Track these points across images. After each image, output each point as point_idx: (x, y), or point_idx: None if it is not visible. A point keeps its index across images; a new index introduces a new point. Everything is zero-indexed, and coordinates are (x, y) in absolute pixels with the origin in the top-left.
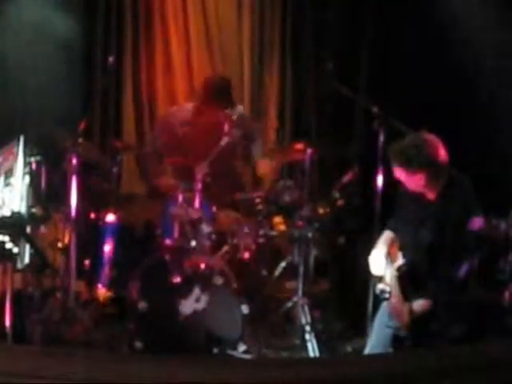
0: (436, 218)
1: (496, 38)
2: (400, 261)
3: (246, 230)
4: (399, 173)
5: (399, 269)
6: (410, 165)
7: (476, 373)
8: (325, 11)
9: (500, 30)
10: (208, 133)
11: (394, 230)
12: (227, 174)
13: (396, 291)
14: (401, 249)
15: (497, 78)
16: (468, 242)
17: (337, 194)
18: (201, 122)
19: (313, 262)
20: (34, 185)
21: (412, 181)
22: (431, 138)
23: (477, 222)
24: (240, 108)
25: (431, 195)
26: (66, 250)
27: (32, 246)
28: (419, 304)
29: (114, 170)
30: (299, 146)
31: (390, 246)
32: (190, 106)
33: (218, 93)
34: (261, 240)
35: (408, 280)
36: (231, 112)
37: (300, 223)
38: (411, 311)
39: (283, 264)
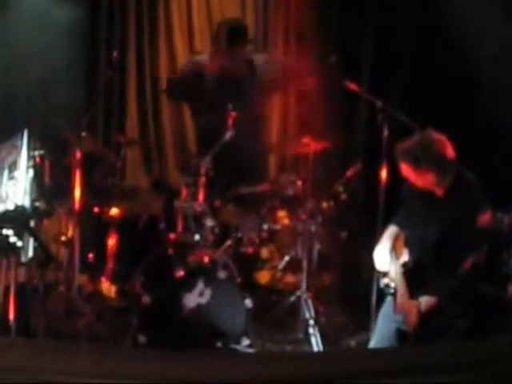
0: (444, 215)
1: (499, 35)
2: (405, 257)
3: (249, 223)
4: (407, 171)
5: (405, 265)
6: (418, 163)
7: (480, 368)
8: (329, 7)
9: (502, 28)
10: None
11: (399, 225)
12: (231, 167)
13: (402, 288)
14: (406, 245)
15: (499, 75)
16: (475, 238)
17: (340, 189)
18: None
19: (316, 256)
20: (37, 179)
21: (420, 179)
22: (438, 136)
23: (485, 218)
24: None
25: (439, 192)
26: (69, 243)
27: (36, 240)
28: (425, 301)
29: (118, 164)
30: (303, 140)
31: (395, 241)
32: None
33: (233, 34)
34: (264, 234)
35: (413, 276)
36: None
37: (303, 217)
38: (419, 309)
39: (287, 258)
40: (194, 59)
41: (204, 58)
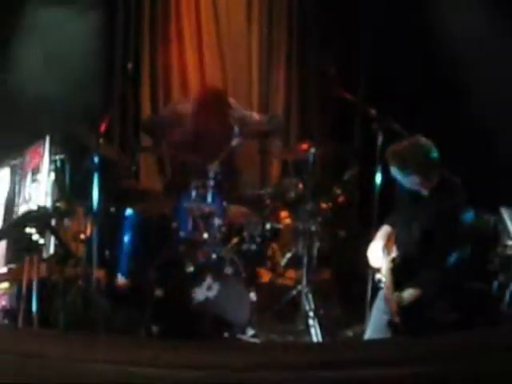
0: (429, 214)
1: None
2: (394, 253)
3: (254, 223)
4: (396, 173)
5: (393, 261)
6: (405, 167)
7: (464, 358)
8: (328, 22)
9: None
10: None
11: (391, 224)
12: (237, 171)
13: (388, 281)
14: (396, 242)
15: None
16: (459, 236)
17: (338, 191)
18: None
19: (316, 253)
20: (58, 181)
21: (407, 180)
22: (425, 141)
23: (468, 217)
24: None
25: (425, 193)
26: (87, 241)
27: (56, 238)
28: (409, 293)
29: (133, 167)
30: (304, 146)
31: (387, 239)
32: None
33: (211, 105)
34: (268, 233)
35: (399, 271)
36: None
37: (304, 217)
38: (399, 300)
39: (289, 255)
40: (174, 108)
41: (184, 107)
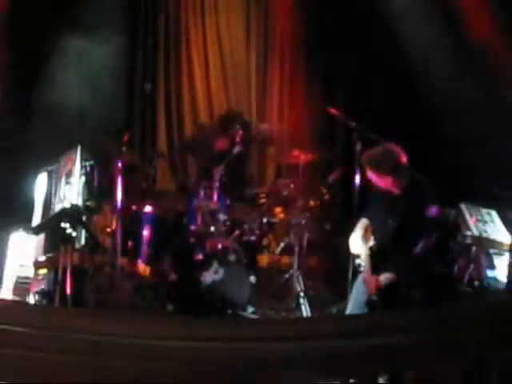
0: (400, 209)
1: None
2: (371, 242)
3: (253, 218)
4: (370, 175)
5: (371, 248)
6: (379, 169)
7: (430, 330)
8: (315, 52)
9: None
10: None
11: (368, 217)
12: (239, 174)
13: (366, 266)
14: (373, 233)
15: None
16: (425, 227)
17: (324, 191)
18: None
19: (305, 242)
20: (88, 183)
21: (381, 181)
22: (395, 147)
23: (433, 211)
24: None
25: (396, 191)
26: (113, 234)
27: (87, 231)
28: (385, 276)
29: (151, 171)
30: (295, 152)
31: (365, 230)
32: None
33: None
34: (264, 226)
35: (376, 257)
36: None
37: (295, 213)
38: (377, 281)
39: (282, 244)
40: (199, 130)
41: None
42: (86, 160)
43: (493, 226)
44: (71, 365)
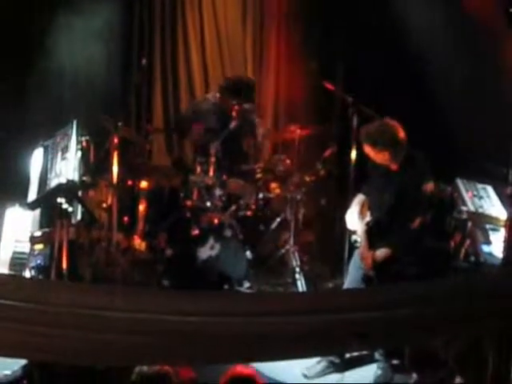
0: (397, 185)
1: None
2: (368, 218)
3: (249, 193)
4: (368, 150)
5: (367, 224)
6: (376, 145)
7: (426, 303)
8: (310, 26)
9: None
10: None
11: (365, 193)
12: (235, 149)
13: (363, 241)
14: (369, 208)
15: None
16: (421, 203)
17: (320, 166)
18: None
19: (301, 218)
20: (84, 159)
21: (378, 157)
22: (393, 123)
23: (429, 187)
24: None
25: (393, 167)
26: (109, 209)
27: (83, 206)
28: (382, 251)
29: (147, 147)
30: (291, 128)
31: (362, 206)
32: (212, 98)
33: (235, 91)
34: (260, 201)
35: (373, 233)
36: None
37: (291, 188)
38: (374, 257)
39: (278, 219)
40: (194, 105)
41: (203, 104)
42: (82, 135)
43: (489, 202)
44: (66, 339)
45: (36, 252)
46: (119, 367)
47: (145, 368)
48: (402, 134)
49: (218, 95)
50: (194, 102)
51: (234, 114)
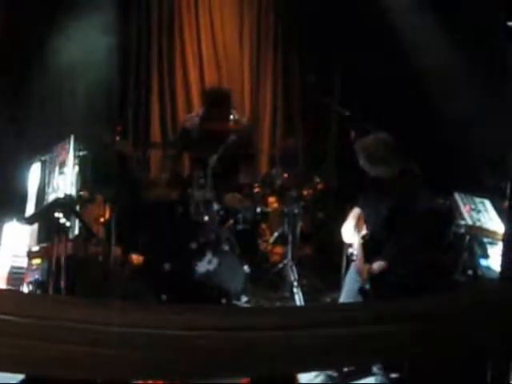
0: (392, 198)
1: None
2: (364, 231)
3: (246, 207)
4: (364, 164)
5: (363, 237)
6: (372, 159)
7: (424, 318)
8: (309, 37)
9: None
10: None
11: (361, 206)
12: (233, 164)
13: (359, 255)
14: (365, 222)
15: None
16: (418, 216)
17: (317, 180)
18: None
19: (299, 232)
20: (81, 173)
21: (373, 170)
22: (388, 137)
23: (425, 200)
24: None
25: (389, 181)
26: (106, 223)
27: (80, 221)
28: (378, 265)
29: (144, 161)
30: (288, 142)
31: (358, 219)
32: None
33: (216, 104)
34: (258, 215)
35: (369, 246)
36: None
37: (289, 202)
38: (370, 270)
39: (276, 234)
40: (183, 126)
41: (191, 123)
42: (80, 150)
43: (486, 215)
44: (64, 353)
45: (34, 267)
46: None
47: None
48: (397, 147)
49: (200, 111)
50: (181, 125)
51: (224, 128)
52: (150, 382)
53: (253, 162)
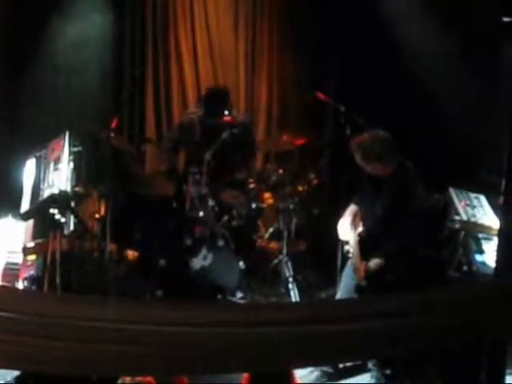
0: (388, 195)
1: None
2: (360, 228)
3: (242, 203)
4: (359, 161)
5: (359, 234)
6: (367, 155)
7: (420, 313)
8: (304, 33)
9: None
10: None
11: (357, 203)
12: (228, 160)
13: (356, 252)
14: (362, 219)
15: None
16: (413, 213)
17: (312, 176)
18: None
19: (294, 228)
20: (76, 169)
21: (369, 167)
22: (384, 133)
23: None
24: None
25: (385, 177)
26: (101, 219)
27: (75, 217)
28: (374, 262)
29: (139, 157)
30: (283, 138)
31: (354, 216)
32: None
33: (216, 102)
34: (253, 211)
35: (365, 243)
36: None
37: (284, 198)
38: (366, 267)
39: (271, 230)
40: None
41: (187, 119)
42: (75, 146)
43: (481, 211)
44: (60, 350)
45: (29, 263)
46: (106, 378)
47: (127, 379)
48: (393, 144)
49: (198, 109)
50: (178, 122)
51: (222, 124)
52: (139, 378)
53: (252, 159)
